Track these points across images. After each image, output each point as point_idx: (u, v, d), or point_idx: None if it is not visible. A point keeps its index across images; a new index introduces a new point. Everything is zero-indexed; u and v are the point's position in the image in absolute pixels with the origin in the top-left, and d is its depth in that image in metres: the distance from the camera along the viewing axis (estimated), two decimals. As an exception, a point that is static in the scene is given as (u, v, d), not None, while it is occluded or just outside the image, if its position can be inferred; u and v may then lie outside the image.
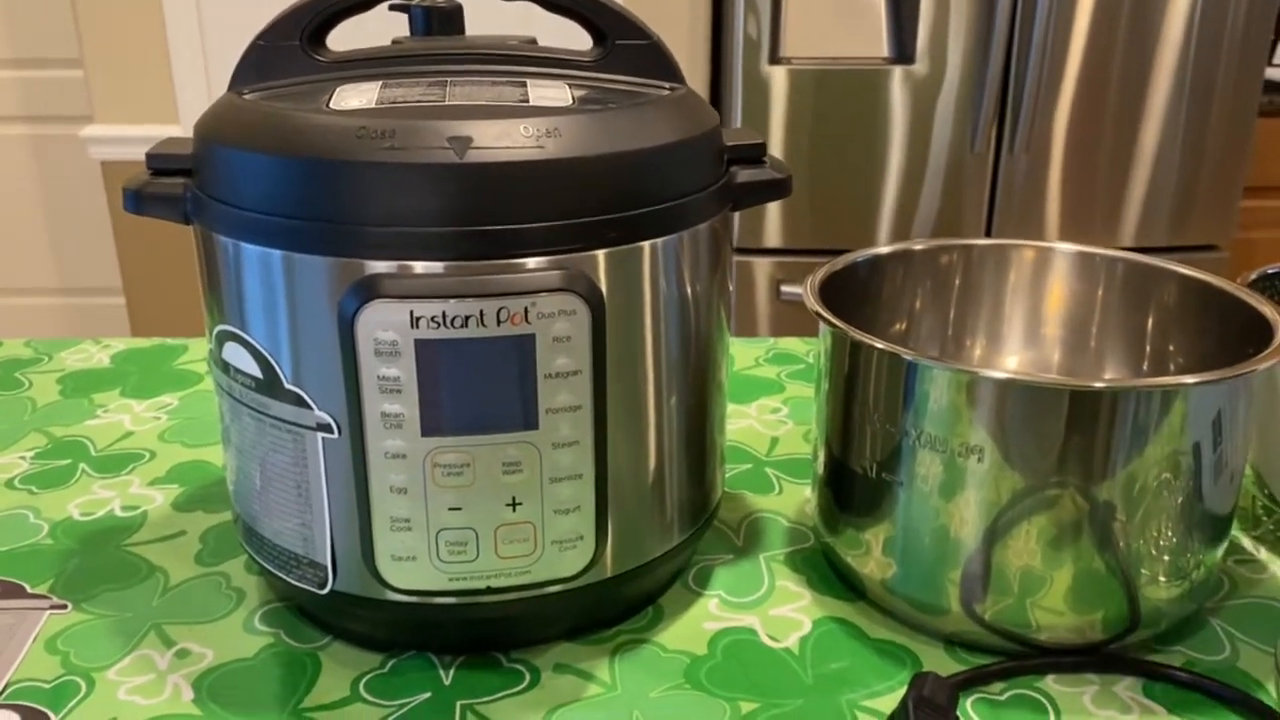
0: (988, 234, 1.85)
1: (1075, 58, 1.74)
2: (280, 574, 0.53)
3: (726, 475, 0.70)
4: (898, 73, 1.75)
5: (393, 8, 0.58)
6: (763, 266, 1.88)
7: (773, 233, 1.86)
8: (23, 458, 0.72)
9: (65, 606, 0.57)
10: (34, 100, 2.21)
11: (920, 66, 1.74)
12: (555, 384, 0.46)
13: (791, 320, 1.90)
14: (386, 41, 0.58)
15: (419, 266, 0.45)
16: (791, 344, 0.91)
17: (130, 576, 0.59)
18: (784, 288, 1.87)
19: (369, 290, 0.44)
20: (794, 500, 0.67)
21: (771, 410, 0.79)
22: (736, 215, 1.84)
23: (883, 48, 1.76)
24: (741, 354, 0.89)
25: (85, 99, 2.16)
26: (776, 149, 1.80)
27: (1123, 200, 1.85)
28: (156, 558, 0.61)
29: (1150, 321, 0.62)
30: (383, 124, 0.45)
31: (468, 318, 0.44)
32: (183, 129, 1.92)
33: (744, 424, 0.77)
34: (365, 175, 0.44)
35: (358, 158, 0.44)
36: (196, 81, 1.88)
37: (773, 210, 1.85)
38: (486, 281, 0.45)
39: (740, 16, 1.74)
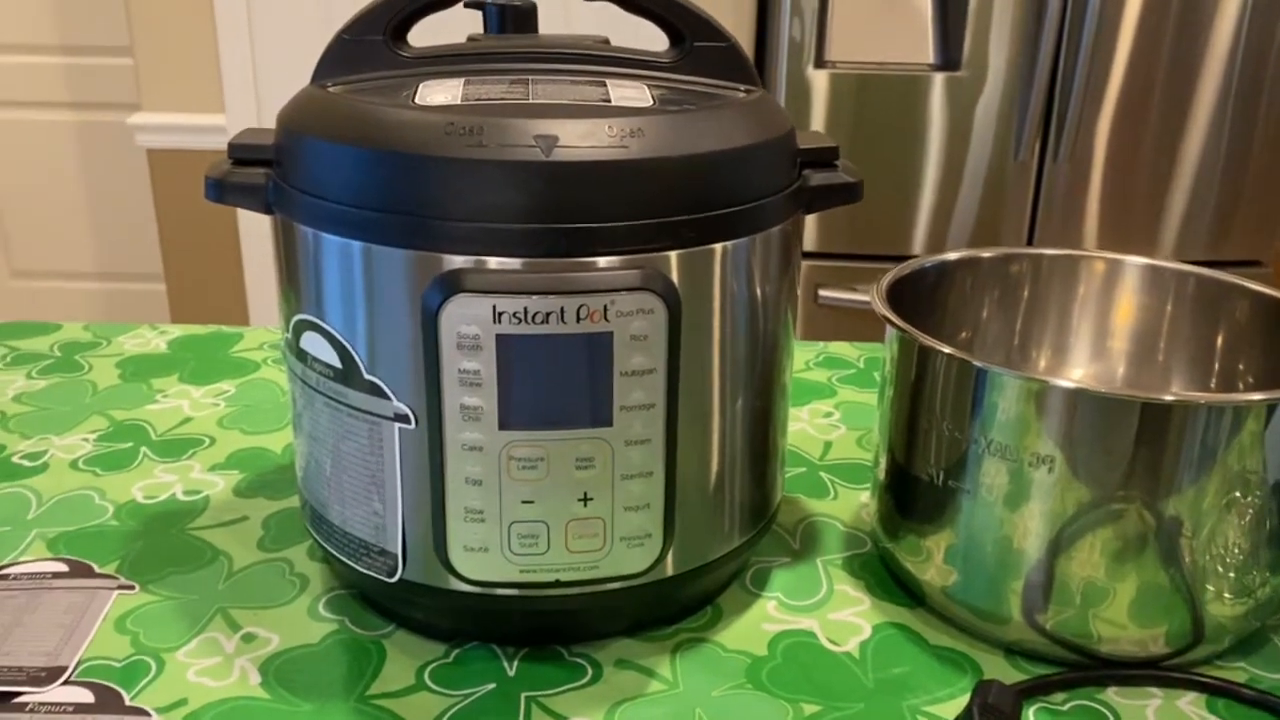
0: (1028, 244, 1.84)
1: (1119, 69, 1.73)
2: (349, 561, 0.53)
3: (781, 478, 0.70)
4: (940, 78, 1.74)
5: (468, 5, 0.59)
6: (800, 270, 1.88)
7: (809, 236, 1.86)
8: (85, 439, 0.73)
9: (133, 587, 0.58)
10: (82, 87, 2.24)
11: (965, 73, 1.74)
12: (630, 382, 0.47)
13: (828, 324, 1.90)
14: (460, 38, 0.59)
15: (498, 262, 0.46)
16: (842, 348, 0.91)
17: (195, 560, 0.60)
18: (822, 291, 1.87)
19: (453, 284, 0.45)
20: (849, 505, 0.67)
21: (824, 415, 0.79)
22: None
23: (928, 53, 1.75)
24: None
25: (132, 87, 2.19)
26: (818, 153, 1.80)
27: (1163, 213, 1.84)
28: (220, 542, 0.62)
29: (1220, 338, 0.62)
30: (470, 120, 0.45)
31: (549, 314, 0.45)
32: (228, 119, 1.93)
33: (796, 428, 0.77)
34: (452, 171, 0.45)
35: (446, 153, 0.45)
36: (244, 71, 1.90)
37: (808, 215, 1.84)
38: (568, 279, 0.45)
39: (786, 19, 1.74)
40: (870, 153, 1.79)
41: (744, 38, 1.87)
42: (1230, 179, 1.81)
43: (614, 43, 0.59)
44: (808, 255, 1.87)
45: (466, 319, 0.45)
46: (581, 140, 0.45)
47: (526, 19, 0.59)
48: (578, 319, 0.45)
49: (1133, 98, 1.75)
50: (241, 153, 0.52)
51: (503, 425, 0.46)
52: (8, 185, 2.33)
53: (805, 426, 0.77)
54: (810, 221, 1.86)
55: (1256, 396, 0.49)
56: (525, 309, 0.45)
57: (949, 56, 1.75)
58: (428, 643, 0.54)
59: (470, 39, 0.58)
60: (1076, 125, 1.74)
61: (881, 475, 0.59)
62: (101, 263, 2.37)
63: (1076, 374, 0.66)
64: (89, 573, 0.59)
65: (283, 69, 1.89)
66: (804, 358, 0.89)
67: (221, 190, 0.52)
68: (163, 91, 1.95)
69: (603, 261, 0.46)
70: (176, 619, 0.55)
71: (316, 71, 0.53)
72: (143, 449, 0.72)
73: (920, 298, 0.63)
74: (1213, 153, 1.79)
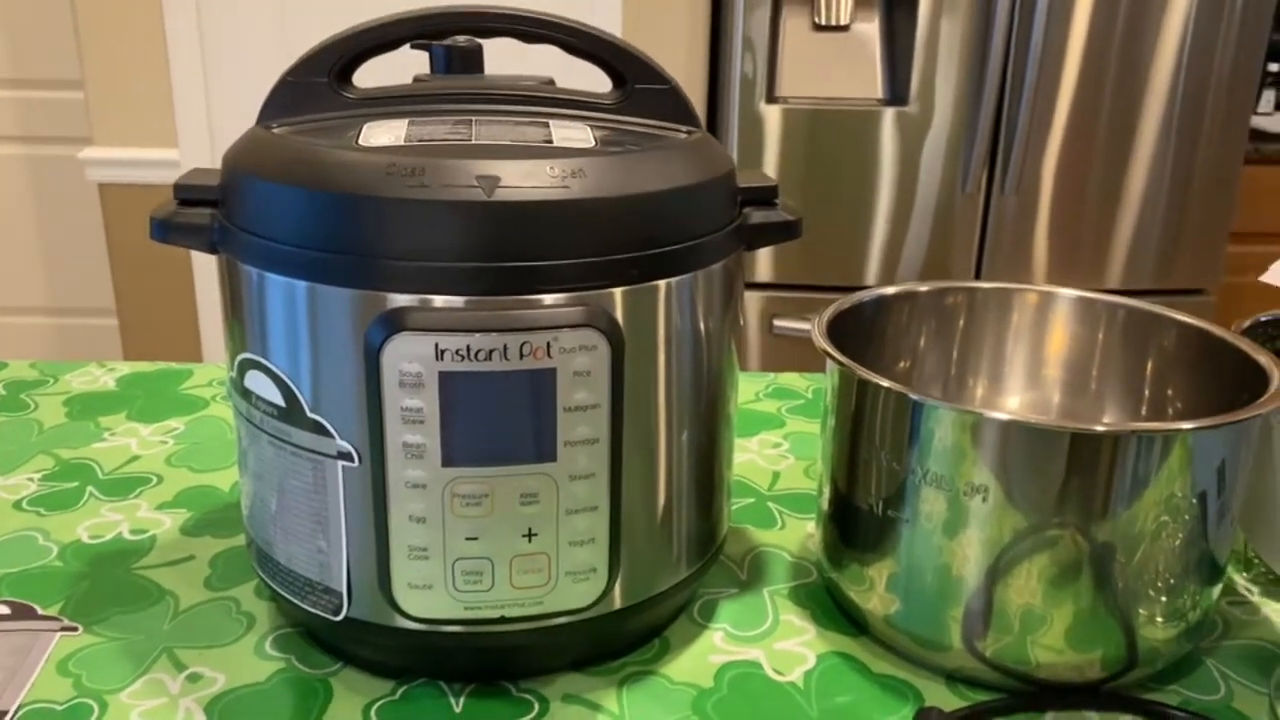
0: (977, 274, 1.88)
1: (1065, 102, 1.78)
2: (294, 599, 0.53)
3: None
4: (890, 114, 1.78)
5: (415, 46, 0.60)
6: (754, 301, 1.90)
7: (764, 267, 1.88)
8: (30, 479, 0.72)
9: (76, 629, 0.57)
10: (33, 120, 2.22)
11: (913, 108, 1.77)
12: (574, 417, 0.47)
13: (783, 354, 1.91)
14: (407, 78, 0.59)
15: (442, 301, 0.46)
16: (791, 379, 0.92)
17: (140, 600, 0.60)
18: (777, 322, 1.89)
19: (396, 322, 0.46)
20: (796, 535, 0.68)
21: (773, 445, 0.80)
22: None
23: (877, 89, 1.79)
24: (742, 388, 0.90)
25: (84, 121, 2.17)
26: (771, 186, 1.82)
27: (1110, 244, 1.88)
28: (166, 581, 0.62)
29: (1149, 366, 0.64)
30: (412, 161, 0.46)
31: (491, 351, 0.46)
32: (181, 153, 1.93)
33: (745, 458, 0.78)
34: (395, 211, 0.46)
35: (388, 194, 0.46)
36: (197, 106, 1.89)
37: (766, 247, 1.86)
38: (510, 316, 0.46)
39: (738, 56, 1.77)
40: (823, 186, 1.82)
41: (697, 74, 1.89)
42: (1174, 210, 1.85)
43: (560, 83, 0.60)
44: (764, 286, 1.89)
45: (409, 357, 0.46)
46: (523, 180, 0.46)
47: (472, 59, 0.60)
48: (520, 356, 0.46)
49: (1078, 131, 1.79)
50: (187, 193, 0.52)
51: (446, 462, 0.47)
52: (-44, 220, 2.30)
53: (754, 457, 0.78)
54: (765, 253, 1.88)
55: (1185, 425, 0.51)
56: (468, 346, 0.45)
57: (897, 92, 1.78)
58: (375, 680, 0.54)
59: (416, 79, 0.59)
60: (1022, 158, 1.78)
61: (825, 505, 0.60)
62: (53, 297, 2.34)
63: (1012, 402, 0.68)
64: (31, 614, 0.58)
65: (236, 103, 1.89)
66: (754, 389, 0.90)
67: (167, 230, 0.52)
68: (114, 126, 1.94)
69: (545, 299, 0.47)
70: (120, 660, 0.55)
71: (262, 113, 0.53)
72: (89, 488, 0.72)
73: (860, 331, 0.64)
74: (1156, 184, 1.83)
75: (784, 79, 1.79)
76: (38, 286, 2.34)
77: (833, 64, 1.79)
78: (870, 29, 1.77)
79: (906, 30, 1.74)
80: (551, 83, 0.60)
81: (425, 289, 0.46)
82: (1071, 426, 0.51)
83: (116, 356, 2.28)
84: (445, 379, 0.46)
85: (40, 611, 0.59)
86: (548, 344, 0.46)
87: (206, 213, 0.52)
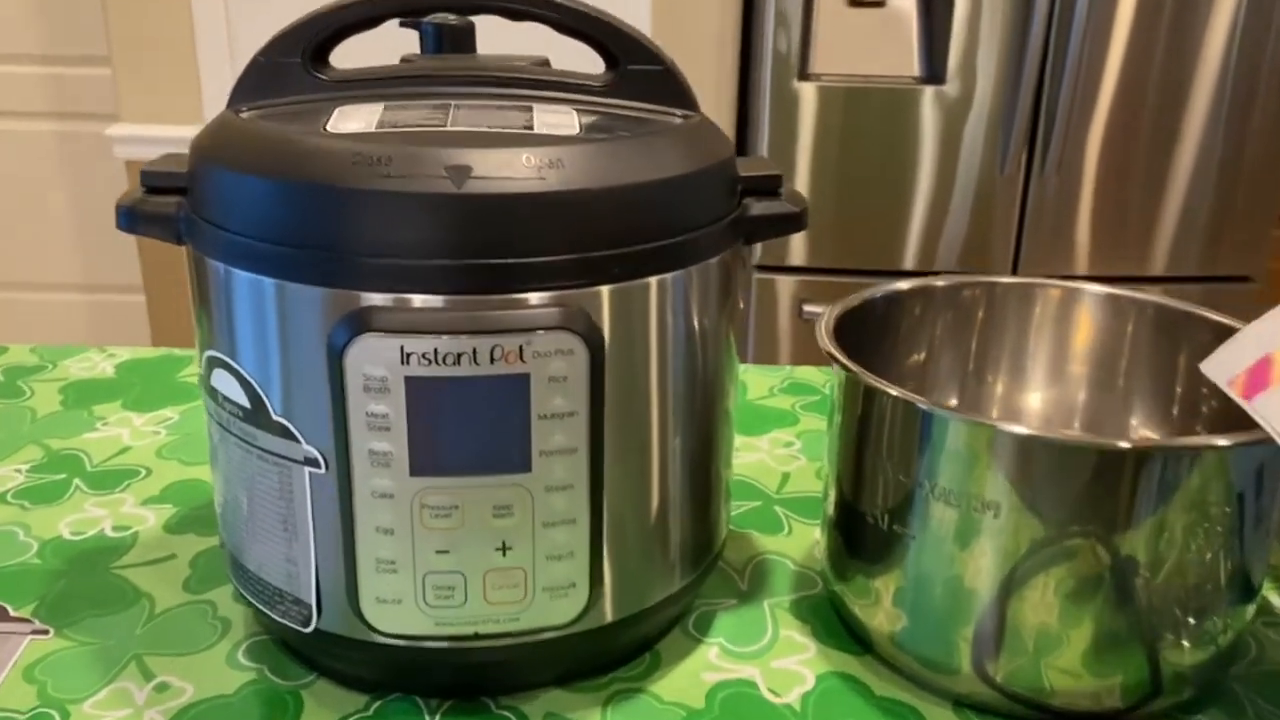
0: (1015, 258, 1.82)
1: (1109, 82, 1.71)
2: (264, 608, 0.51)
3: (734, 513, 0.68)
4: (929, 92, 1.72)
5: (403, 24, 0.56)
6: (786, 285, 1.86)
7: (797, 251, 1.84)
8: (18, 470, 0.71)
9: (47, 632, 0.55)
10: (63, 97, 2.22)
11: (951, 86, 1.71)
12: (550, 425, 0.44)
13: (814, 341, 1.87)
14: (397, 57, 0.56)
15: (413, 300, 0.43)
16: (808, 373, 0.88)
17: (116, 602, 0.58)
18: (806, 307, 1.85)
19: (359, 323, 0.43)
20: (803, 542, 0.65)
21: (784, 444, 0.77)
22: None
23: (914, 67, 1.73)
24: (755, 382, 0.86)
25: (113, 97, 2.16)
26: (804, 165, 1.78)
27: (1154, 228, 1.81)
28: (144, 582, 0.60)
29: (1181, 362, 0.59)
30: (379, 150, 0.43)
31: (460, 355, 0.42)
32: (207, 130, 1.91)
33: (754, 458, 0.75)
34: (359, 203, 0.43)
35: (352, 184, 0.43)
36: (223, 84, 1.88)
37: (798, 227, 1.82)
38: (481, 318, 0.43)
39: (770, 31, 1.72)
40: (859, 166, 1.77)
41: (729, 50, 1.85)
42: (1221, 194, 1.79)
43: (555, 63, 0.57)
44: (796, 270, 1.85)
45: (373, 360, 0.43)
46: (496, 171, 0.43)
47: (463, 38, 0.56)
48: (491, 360, 0.43)
49: (1122, 112, 1.73)
50: (154, 180, 0.50)
51: (414, 471, 0.44)
52: (-10, 196, 2.31)
53: (764, 457, 0.75)
54: (797, 235, 1.83)
55: (1220, 441, 0.47)
56: (435, 350, 0.42)
57: (934, 69, 1.72)
58: (348, 693, 0.51)
59: (404, 59, 0.56)
60: (1064, 140, 1.72)
61: (830, 510, 0.57)
62: (84, 274, 2.35)
63: (1034, 399, 0.64)
64: (3, 616, 0.57)
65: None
66: (768, 383, 0.86)
67: (132, 219, 0.49)
68: (141, 103, 1.93)
69: (519, 299, 0.43)
70: (89, 667, 0.53)
71: (232, 95, 0.51)
72: (75, 481, 0.70)
73: (873, 326, 0.60)
74: (1204, 167, 1.77)
75: (818, 56, 1.74)
76: (69, 263, 2.35)
77: (868, 40, 1.74)
78: (907, 4, 1.72)
79: (944, 6, 1.68)
80: (546, 63, 0.57)
81: (392, 287, 0.43)
82: (1094, 442, 0.47)
83: (145, 333, 2.28)
84: (412, 384, 0.43)
85: (12, 613, 0.57)
86: (520, 347, 0.43)
87: (173, 201, 0.49)
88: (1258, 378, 0.47)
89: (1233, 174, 1.78)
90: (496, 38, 0.64)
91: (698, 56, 1.84)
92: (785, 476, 0.72)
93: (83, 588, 0.59)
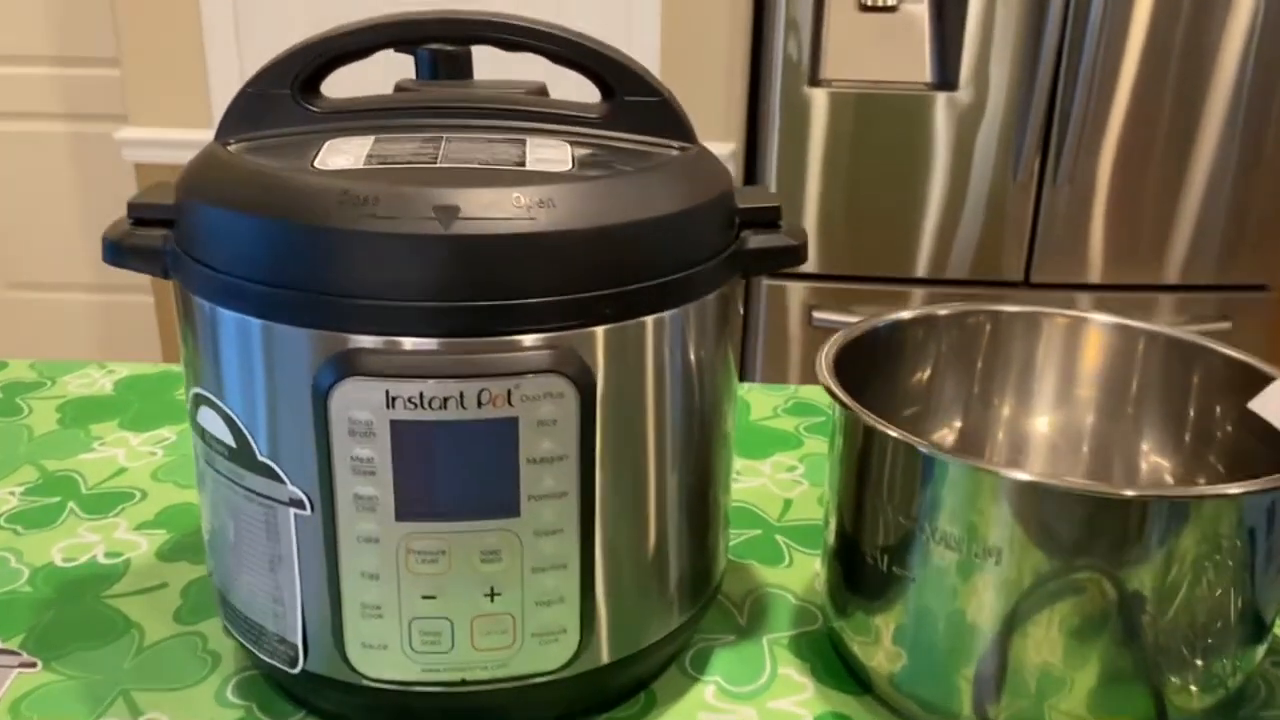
0: (1028, 266, 1.80)
1: (1125, 89, 1.69)
2: (251, 646, 0.50)
3: (733, 542, 0.67)
4: (941, 99, 1.70)
5: (398, 50, 0.55)
6: (796, 292, 1.85)
7: (809, 257, 1.82)
8: (12, 493, 0.70)
9: (35, 665, 0.55)
10: (74, 98, 2.22)
11: (964, 93, 1.70)
12: (539, 469, 0.43)
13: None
14: (394, 84, 0.55)
15: (401, 342, 0.42)
16: (813, 393, 0.87)
17: (106, 633, 0.57)
18: (816, 314, 1.83)
19: (345, 366, 0.42)
20: (804, 573, 0.64)
21: (787, 468, 0.76)
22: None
23: (925, 73, 1.71)
24: (759, 402, 0.85)
25: (123, 99, 2.16)
26: (815, 171, 1.76)
27: (1170, 236, 1.79)
28: (135, 612, 0.59)
29: (1193, 390, 0.58)
30: (366, 188, 0.42)
31: (446, 399, 0.42)
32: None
33: (756, 483, 0.73)
34: (345, 244, 0.42)
35: (338, 225, 0.42)
36: (231, 88, 1.87)
37: (810, 234, 1.81)
38: (468, 361, 0.42)
39: (780, 37, 1.71)
40: (871, 172, 1.76)
41: (739, 56, 1.83)
42: (1238, 203, 1.76)
43: (554, 88, 0.56)
44: (807, 277, 1.83)
45: (358, 403, 0.42)
46: (485, 211, 0.42)
47: (459, 65, 0.56)
48: (479, 404, 0.42)
49: (1137, 119, 1.71)
50: (141, 212, 0.49)
51: (400, 516, 0.43)
52: (4, 197, 2.31)
53: (766, 482, 0.74)
54: (811, 241, 1.82)
55: (1232, 490, 0.45)
56: (421, 394, 0.41)
57: (946, 76, 1.71)
58: (337, 733, 0.51)
59: (399, 86, 0.55)
60: (1077, 147, 1.70)
61: (830, 540, 0.56)
62: (94, 274, 2.35)
63: (1041, 424, 0.62)
64: (-9, 647, 0.56)
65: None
66: (771, 403, 0.85)
67: (118, 253, 0.49)
68: (150, 106, 1.93)
69: (507, 342, 0.42)
70: (76, 701, 0.52)
71: (220, 127, 0.50)
72: (70, 504, 0.69)
73: (876, 353, 0.59)
74: (1221, 173, 1.74)
75: (829, 62, 1.73)
76: (79, 264, 2.35)
77: (879, 46, 1.72)
78: (919, 10, 1.70)
79: (957, 11, 1.67)
80: (543, 89, 0.56)
81: (379, 329, 0.42)
82: (1099, 490, 0.46)
83: (154, 334, 2.28)
84: (397, 427, 0.42)
85: (1, 645, 0.56)
86: (508, 391, 0.42)
87: (160, 234, 0.48)
88: None
89: (1249, 181, 1.75)
90: (494, 62, 0.63)
91: (708, 64, 1.83)
92: (787, 503, 0.71)
93: (72, 617, 0.58)
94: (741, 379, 1.92)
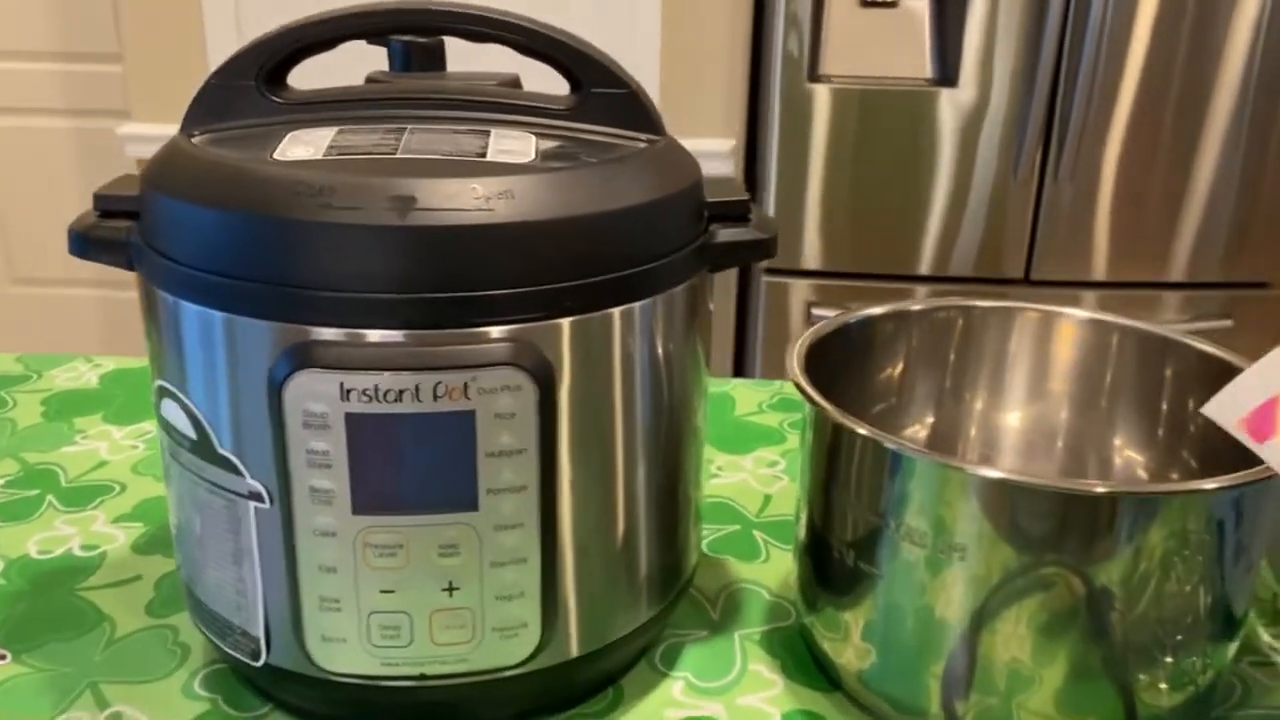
0: (1028, 263, 1.79)
1: (1129, 86, 1.68)
2: (215, 639, 0.50)
3: (712, 537, 0.66)
4: (943, 95, 1.70)
5: (372, 42, 0.55)
6: (798, 289, 1.84)
7: (811, 253, 1.82)
8: (-8, 485, 0.70)
9: (4, 657, 0.55)
10: (77, 94, 2.22)
11: (965, 89, 1.69)
12: (497, 463, 0.43)
13: (823, 344, 1.85)
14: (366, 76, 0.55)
15: (358, 334, 0.42)
16: (799, 389, 0.87)
17: (77, 625, 0.57)
18: (816, 311, 1.82)
19: (300, 358, 0.42)
20: (780, 569, 0.63)
21: (769, 463, 0.75)
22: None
23: (926, 68, 1.71)
24: (744, 398, 0.85)
25: (125, 95, 2.17)
26: (817, 167, 1.76)
27: (1174, 233, 1.78)
28: (107, 604, 0.59)
29: (1166, 384, 0.57)
30: (322, 179, 0.42)
31: (402, 392, 0.41)
32: (218, 129, 1.91)
33: (737, 478, 0.73)
34: (302, 235, 0.41)
35: (294, 216, 0.41)
36: (232, 83, 1.87)
37: (811, 230, 1.80)
38: (423, 354, 0.41)
39: (780, 33, 1.70)
40: (872, 168, 1.75)
41: (740, 51, 1.83)
42: (1244, 200, 1.75)
43: (528, 80, 0.56)
44: (808, 274, 1.83)
45: (313, 396, 0.42)
46: (442, 203, 0.42)
47: (432, 56, 0.55)
48: (435, 397, 0.42)
49: (1142, 114, 1.69)
50: (107, 204, 0.49)
51: (356, 510, 0.43)
52: (8, 193, 2.32)
53: (747, 477, 0.73)
54: (811, 239, 1.81)
55: (1208, 485, 0.45)
56: (376, 386, 0.41)
57: (946, 72, 1.70)
58: (302, 727, 0.51)
59: (370, 78, 0.55)
60: (1078, 143, 1.69)
61: (801, 534, 0.55)
62: (98, 270, 2.36)
63: (1013, 419, 0.62)
64: (-38, 639, 0.56)
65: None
66: (756, 399, 0.85)
67: (84, 244, 0.49)
68: (152, 102, 1.93)
69: (466, 335, 0.42)
70: (43, 694, 0.52)
71: (185, 119, 0.50)
72: (49, 497, 0.69)
73: (849, 348, 0.59)
74: (1227, 171, 1.73)
75: (829, 57, 1.72)
76: (83, 260, 2.36)
77: (879, 42, 1.71)
78: (919, 5, 1.69)
79: (957, 7, 1.66)
80: (516, 81, 0.56)
81: (337, 321, 0.42)
82: (1068, 487, 0.46)
83: (159, 331, 2.29)
84: (352, 420, 0.42)
85: (-29, 636, 0.56)
86: (465, 384, 0.42)
87: (125, 226, 0.48)
88: (1265, 421, 0.45)
89: (1253, 178, 1.74)
90: (469, 55, 0.63)
91: (709, 60, 1.82)
92: (767, 499, 0.71)
93: (44, 610, 0.58)
94: (741, 375, 1.91)
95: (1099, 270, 1.80)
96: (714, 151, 1.88)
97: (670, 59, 1.82)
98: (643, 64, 1.85)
